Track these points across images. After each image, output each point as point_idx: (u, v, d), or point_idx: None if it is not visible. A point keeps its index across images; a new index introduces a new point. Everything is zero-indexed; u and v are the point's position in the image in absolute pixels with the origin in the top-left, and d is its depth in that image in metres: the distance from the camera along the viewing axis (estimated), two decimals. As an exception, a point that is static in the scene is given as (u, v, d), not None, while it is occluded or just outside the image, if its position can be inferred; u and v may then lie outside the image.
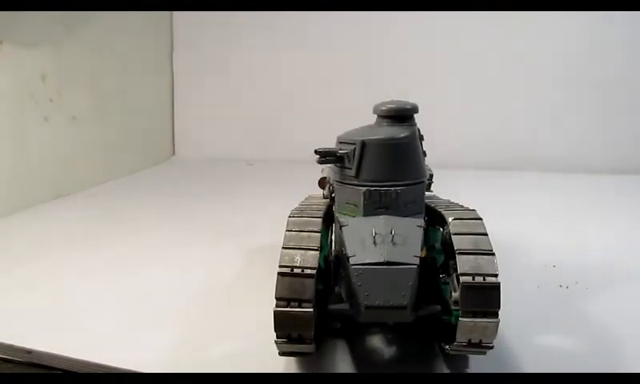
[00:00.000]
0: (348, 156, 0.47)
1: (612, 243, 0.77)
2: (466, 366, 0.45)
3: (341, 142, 0.48)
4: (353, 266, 0.40)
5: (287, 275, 0.39)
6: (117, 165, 1.26)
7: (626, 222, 0.87)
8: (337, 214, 0.48)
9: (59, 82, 1.06)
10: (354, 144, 0.46)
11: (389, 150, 0.45)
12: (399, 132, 0.46)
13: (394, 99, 0.48)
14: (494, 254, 0.40)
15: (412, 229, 0.43)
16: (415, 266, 0.40)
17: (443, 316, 0.44)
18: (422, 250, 0.42)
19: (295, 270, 0.39)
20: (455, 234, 0.42)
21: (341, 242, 0.44)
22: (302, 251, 0.41)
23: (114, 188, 1.17)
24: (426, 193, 0.52)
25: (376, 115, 0.49)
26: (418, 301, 0.42)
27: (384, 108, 0.47)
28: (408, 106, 0.47)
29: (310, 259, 0.40)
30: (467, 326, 0.39)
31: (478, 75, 1.34)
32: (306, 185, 0.64)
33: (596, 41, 1.26)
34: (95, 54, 1.17)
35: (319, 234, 0.43)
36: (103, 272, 0.68)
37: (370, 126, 0.49)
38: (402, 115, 0.47)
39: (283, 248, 0.41)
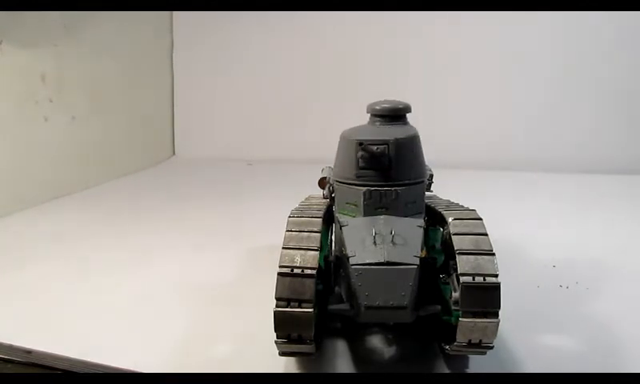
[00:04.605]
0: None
1: (612, 243, 0.77)
2: (466, 366, 0.45)
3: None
4: (353, 266, 0.40)
5: (287, 275, 0.39)
6: (117, 165, 1.26)
7: (626, 221, 0.87)
8: (337, 214, 0.48)
9: (59, 82, 1.06)
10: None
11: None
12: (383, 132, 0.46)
13: (387, 99, 0.49)
14: (494, 254, 0.40)
15: (412, 229, 0.43)
16: (415, 266, 0.40)
17: (443, 316, 0.44)
18: (422, 250, 0.42)
19: (295, 271, 0.39)
20: (455, 234, 0.42)
21: (341, 242, 0.44)
22: (302, 251, 0.41)
23: (114, 188, 1.17)
24: (426, 193, 0.52)
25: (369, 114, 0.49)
26: (418, 301, 0.42)
27: (377, 107, 0.48)
28: (400, 106, 0.48)
29: (309, 259, 0.40)
30: (467, 326, 0.39)
31: (478, 75, 1.34)
32: (306, 185, 0.64)
33: (595, 41, 1.26)
34: (95, 54, 1.17)
35: (319, 234, 0.43)
36: (103, 272, 0.68)
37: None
38: (394, 115, 0.48)
39: (283, 248, 0.41)
